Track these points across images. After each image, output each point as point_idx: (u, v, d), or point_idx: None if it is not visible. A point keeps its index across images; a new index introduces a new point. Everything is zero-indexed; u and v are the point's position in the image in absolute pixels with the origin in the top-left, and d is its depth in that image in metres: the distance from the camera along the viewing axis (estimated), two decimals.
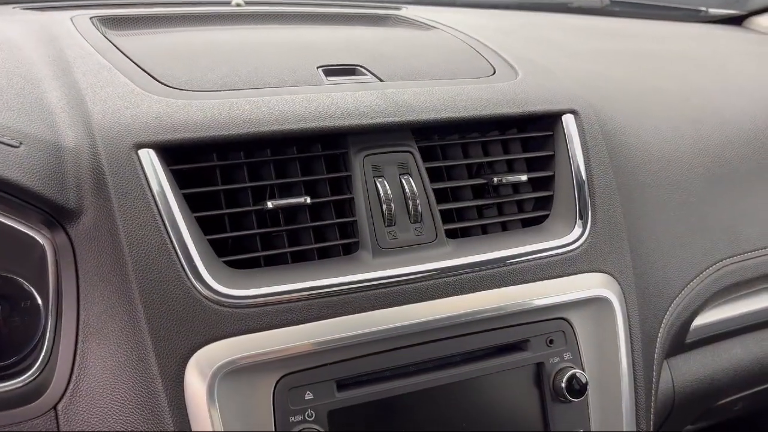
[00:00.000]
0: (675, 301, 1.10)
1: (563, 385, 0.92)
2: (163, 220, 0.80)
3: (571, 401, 0.93)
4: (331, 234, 0.90)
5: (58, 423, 0.79)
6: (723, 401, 1.29)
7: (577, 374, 0.92)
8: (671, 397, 1.19)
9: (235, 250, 0.86)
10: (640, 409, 0.99)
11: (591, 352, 0.96)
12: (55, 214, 0.79)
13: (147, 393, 0.78)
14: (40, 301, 0.81)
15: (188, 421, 0.78)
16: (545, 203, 1.01)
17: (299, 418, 0.81)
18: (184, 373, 0.78)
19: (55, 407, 0.79)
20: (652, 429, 1.06)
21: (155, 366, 0.77)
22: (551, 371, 0.93)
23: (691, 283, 1.13)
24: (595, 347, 0.96)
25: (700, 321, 1.17)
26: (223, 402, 0.78)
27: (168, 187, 0.81)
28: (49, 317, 0.81)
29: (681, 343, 1.16)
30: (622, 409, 0.96)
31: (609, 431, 0.96)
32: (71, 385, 0.79)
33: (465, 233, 0.96)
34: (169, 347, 0.78)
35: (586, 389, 0.92)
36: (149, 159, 0.81)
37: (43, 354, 0.81)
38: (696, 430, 1.42)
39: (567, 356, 0.94)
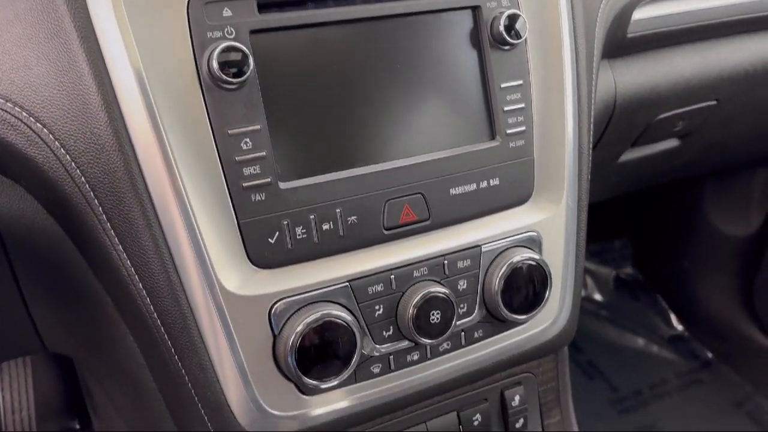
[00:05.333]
0: None
1: (501, 28, 0.87)
2: None
3: (512, 46, 0.89)
4: None
5: None
6: (664, 115, 1.29)
7: (517, 17, 0.87)
8: (612, 97, 1.17)
9: None
10: (581, 70, 0.96)
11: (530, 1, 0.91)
12: None
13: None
14: None
15: (96, 39, 0.71)
16: None
17: (218, 34, 0.75)
18: None
19: None
20: (592, 127, 1.04)
21: None
22: (488, 17, 0.88)
23: None
24: None
25: (641, 14, 1.14)
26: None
27: None
28: None
29: (623, 36, 1.13)
30: (563, 57, 0.92)
31: (549, 77, 0.93)
32: None
33: None
34: None
35: (524, 35, 0.88)
36: None
37: None
38: (638, 161, 1.42)
39: (505, 2, 0.89)
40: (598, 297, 2.52)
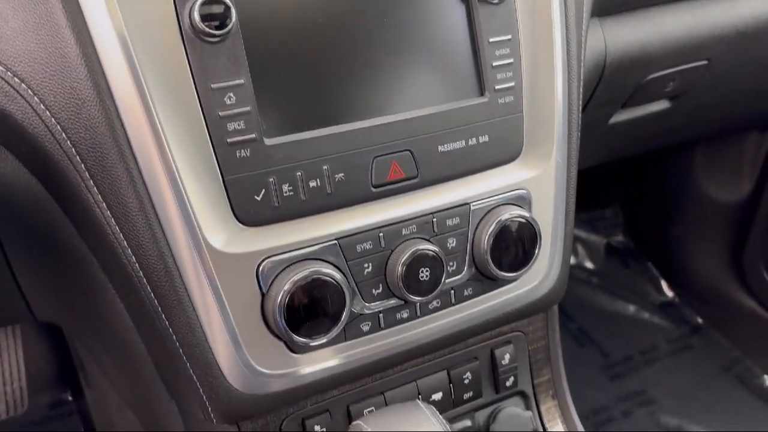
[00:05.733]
0: None
1: None
2: None
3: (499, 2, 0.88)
4: None
5: None
6: (654, 75, 1.28)
7: None
8: (603, 56, 1.16)
9: None
10: (570, 26, 0.94)
11: None
12: None
13: None
14: None
15: None
16: None
17: None
18: None
19: None
20: (582, 84, 1.02)
21: None
22: None
23: None
24: None
25: None
26: None
27: None
28: None
29: None
30: (552, 12, 0.91)
31: (538, 32, 0.91)
32: None
33: None
34: None
35: None
36: None
37: None
38: (628, 123, 1.42)
39: None
40: (589, 265, 2.52)
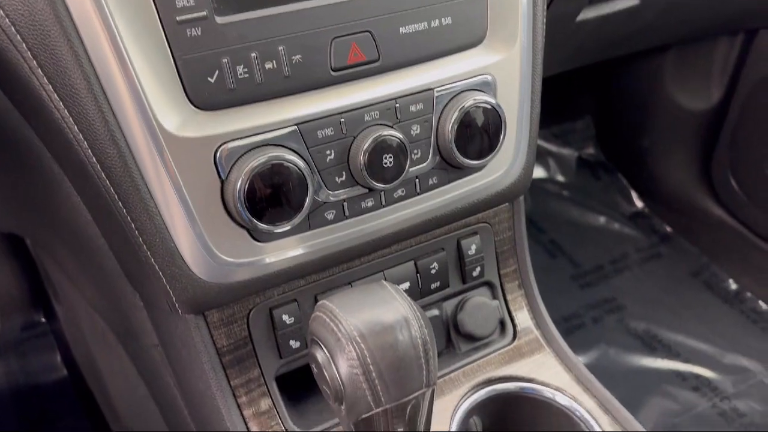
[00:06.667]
0: None
1: None
2: None
3: None
4: None
5: None
6: None
7: None
8: None
9: None
10: None
11: None
12: None
13: None
14: None
15: None
16: None
17: None
18: None
19: None
20: None
21: None
22: None
23: None
24: None
25: None
26: None
27: None
28: None
29: None
30: None
31: None
32: None
33: None
34: None
35: None
36: None
37: None
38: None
39: None
40: (560, 178, 2.54)
